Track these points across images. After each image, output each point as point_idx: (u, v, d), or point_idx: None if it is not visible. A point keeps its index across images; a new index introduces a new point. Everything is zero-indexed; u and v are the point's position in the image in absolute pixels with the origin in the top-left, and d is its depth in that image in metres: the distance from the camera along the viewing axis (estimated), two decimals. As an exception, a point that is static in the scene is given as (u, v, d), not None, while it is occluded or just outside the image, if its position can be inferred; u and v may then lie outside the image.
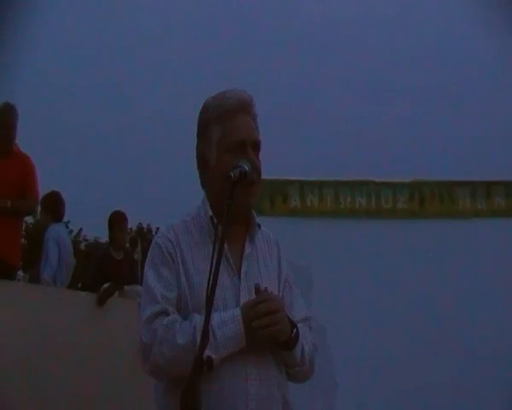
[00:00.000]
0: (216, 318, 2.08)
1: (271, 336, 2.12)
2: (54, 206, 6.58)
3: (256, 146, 2.29)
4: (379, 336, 5.77)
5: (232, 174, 2.10)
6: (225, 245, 2.05)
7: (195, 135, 2.36)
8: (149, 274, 2.23)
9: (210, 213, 2.27)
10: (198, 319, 2.10)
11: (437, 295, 5.89)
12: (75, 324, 5.37)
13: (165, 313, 2.15)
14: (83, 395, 5.12)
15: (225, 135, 2.27)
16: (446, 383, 5.70)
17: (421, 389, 5.75)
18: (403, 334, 5.79)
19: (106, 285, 5.86)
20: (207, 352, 2.01)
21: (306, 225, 6.17)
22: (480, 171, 7.16)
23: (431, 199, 6.42)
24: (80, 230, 29.81)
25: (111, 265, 6.37)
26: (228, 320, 2.09)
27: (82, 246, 29.26)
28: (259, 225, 2.34)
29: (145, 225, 33.56)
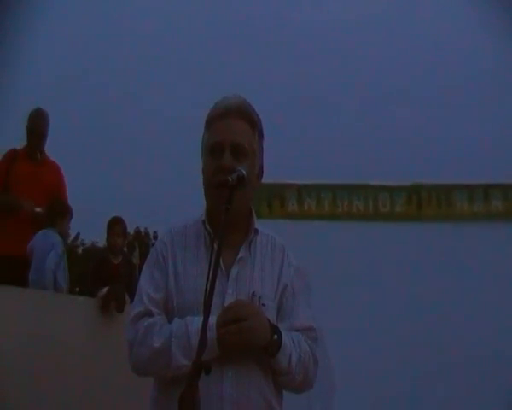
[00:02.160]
0: (195, 324, 2.09)
1: (240, 343, 2.10)
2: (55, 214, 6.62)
3: (237, 148, 2.25)
4: (377, 339, 5.76)
5: (230, 179, 2.09)
6: (216, 250, 2.03)
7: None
8: (142, 276, 2.29)
9: (203, 217, 2.29)
10: (176, 324, 2.14)
11: (435, 299, 5.88)
12: (73, 328, 5.35)
13: (149, 314, 2.20)
14: (81, 399, 5.10)
15: (208, 139, 2.30)
16: (445, 386, 5.69)
17: (419, 392, 5.75)
18: (401, 337, 5.78)
19: (103, 291, 5.84)
20: (181, 358, 2.04)
21: (304, 228, 6.16)
22: (478, 174, 7.15)
23: (428, 202, 6.42)
24: (77, 234, 29.75)
25: (108, 269, 6.35)
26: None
27: (79, 250, 29.22)
28: (257, 230, 2.33)
29: (142, 229, 33.54)
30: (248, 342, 2.11)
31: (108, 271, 6.32)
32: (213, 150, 2.25)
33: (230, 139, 2.25)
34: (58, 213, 6.45)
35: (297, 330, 2.27)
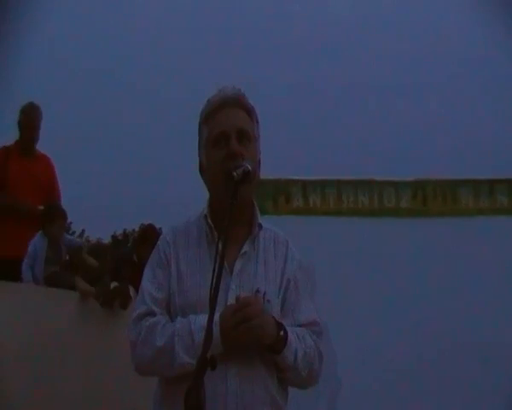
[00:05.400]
0: (198, 322, 2.09)
1: (248, 343, 2.11)
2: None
3: (242, 134, 2.25)
4: (382, 334, 5.77)
5: (235, 174, 2.08)
6: (221, 246, 2.02)
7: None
8: (145, 275, 2.28)
9: (205, 212, 2.27)
10: (179, 323, 2.13)
11: (440, 294, 5.88)
12: (77, 325, 5.36)
13: (152, 313, 2.19)
14: (83, 395, 5.11)
15: (210, 132, 2.28)
16: (449, 382, 5.69)
17: (424, 387, 5.75)
18: (406, 332, 5.78)
19: (112, 286, 5.83)
20: (185, 357, 2.04)
21: (309, 224, 6.16)
22: (483, 169, 7.14)
23: (434, 198, 6.41)
24: (83, 231, 29.81)
25: (130, 267, 6.34)
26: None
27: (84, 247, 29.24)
28: (261, 225, 2.32)
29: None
30: (256, 341, 2.11)
31: (128, 267, 6.30)
32: (218, 141, 2.24)
33: (235, 126, 2.25)
34: (47, 217, 6.52)
35: (301, 325, 2.26)
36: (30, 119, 6.03)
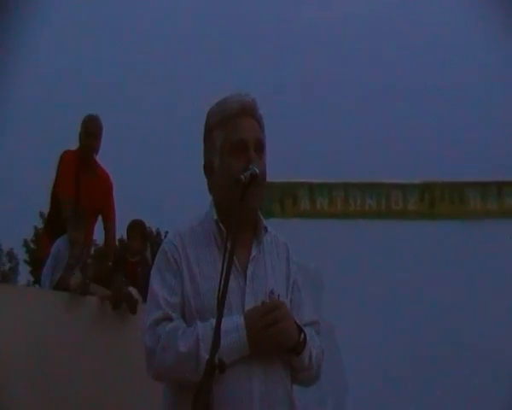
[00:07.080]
0: (221, 326, 2.05)
1: (278, 345, 2.13)
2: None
3: (259, 146, 2.27)
4: (388, 336, 5.77)
5: (243, 177, 2.09)
6: (230, 245, 2.03)
7: (202, 141, 2.38)
8: (154, 280, 2.25)
9: (215, 216, 2.27)
10: (201, 327, 2.12)
11: (447, 296, 5.87)
12: (83, 328, 5.37)
13: (169, 318, 2.17)
14: (91, 399, 5.11)
15: (227, 138, 2.27)
16: (454, 383, 5.69)
17: (429, 388, 5.75)
18: (413, 334, 5.78)
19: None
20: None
21: (316, 227, 6.17)
22: (491, 171, 7.12)
23: (441, 200, 6.40)
24: (90, 234, 29.78)
25: (124, 266, 6.35)
26: (232, 329, 2.08)
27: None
28: (266, 228, 2.33)
29: (154, 229, 33.58)
30: (282, 344, 2.15)
31: (125, 268, 6.31)
32: (235, 148, 2.24)
33: (254, 137, 2.27)
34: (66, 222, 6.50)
35: (305, 325, 2.28)
36: (88, 127, 5.93)
